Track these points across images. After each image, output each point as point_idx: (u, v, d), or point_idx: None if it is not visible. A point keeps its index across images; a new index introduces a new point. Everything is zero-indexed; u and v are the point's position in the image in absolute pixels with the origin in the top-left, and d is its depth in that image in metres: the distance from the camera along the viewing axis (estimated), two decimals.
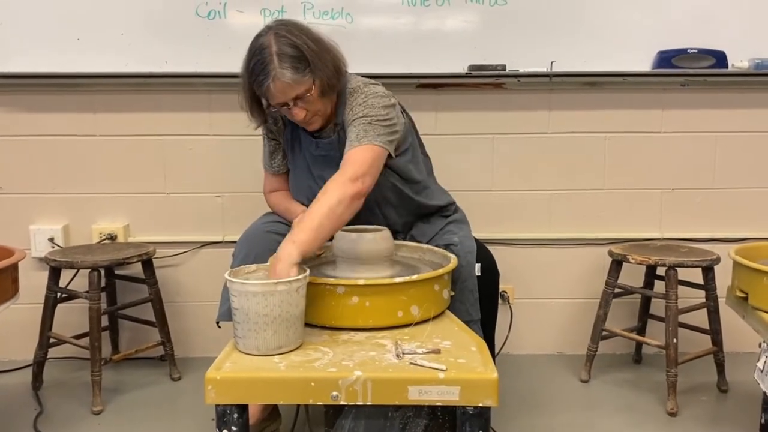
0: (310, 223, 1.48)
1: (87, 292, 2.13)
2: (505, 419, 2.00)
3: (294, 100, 1.69)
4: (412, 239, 1.90)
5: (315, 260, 1.77)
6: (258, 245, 1.75)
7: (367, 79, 1.82)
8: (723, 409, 2.13)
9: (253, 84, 1.70)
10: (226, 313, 1.70)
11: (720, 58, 2.32)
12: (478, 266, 1.74)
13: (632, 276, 2.35)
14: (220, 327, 1.84)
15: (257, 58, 1.66)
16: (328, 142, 1.82)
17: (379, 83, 1.83)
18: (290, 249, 1.43)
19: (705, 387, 2.26)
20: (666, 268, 2.11)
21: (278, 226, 1.83)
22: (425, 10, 2.32)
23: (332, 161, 1.79)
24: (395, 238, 1.73)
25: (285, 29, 1.68)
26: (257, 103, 1.78)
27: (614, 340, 2.39)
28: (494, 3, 2.32)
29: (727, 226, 2.51)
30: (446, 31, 2.34)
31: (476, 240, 1.83)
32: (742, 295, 1.82)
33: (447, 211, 1.97)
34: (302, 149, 1.88)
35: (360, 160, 1.62)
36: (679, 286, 2.11)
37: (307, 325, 1.44)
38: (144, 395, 2.23)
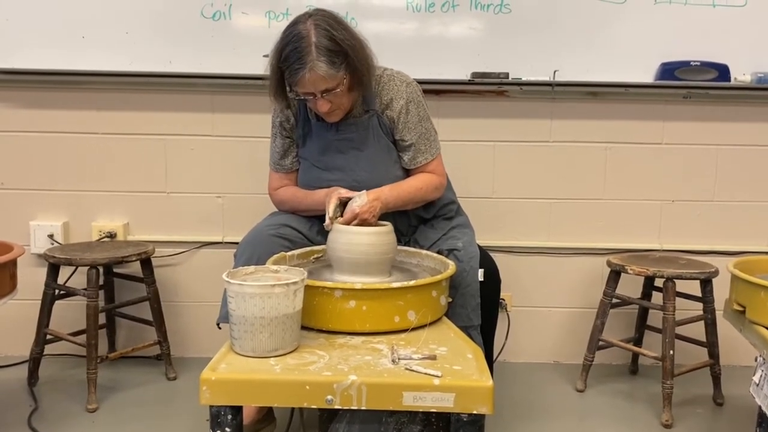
0: (401, 189, 1.82)
1: (85, 289, 2.13)
2: (499, 427, 2.00)
3: (322, 93, 1.70)
4: (416, 243, 1.91)
5: (313, 263, 1.77)
6: (262, 248, 1.75)
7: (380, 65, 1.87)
8: (718, 423, 2.13)
9: (285, 70, 1.70)
10: (227, 315, 1.70)
11: (723, 71, 2.32)
12: (481, 272, 1.74)
13: (630, 286, 2.34)
14: (220, 328, 1.84)
15: (294, 45, 1.66)
16: (352, 123, 1.84)
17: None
18: (388, 196, 1.75)
19: (701, 400, 2.25)
20: (664, 279, 2.10)
21: (283, 230, 1.83)
22: (430, 15, 2.33)
23: (352, 144, 1.84)
24: (399, 241, 1.74)
25: (325, 21, 1.68)
26: (282, 88, 1.79)
27: (611, 350, 2.38)
28: (499, 11, 2.33)
29: (727, 239, 2.51)
30: (450, 38, 2.34)
31: (479, 247, 1.83)
32: (740, 308, 1.82)
33: (449, 211, 1.98)
34: (313, 141, 1.89)
35: (439, 170, 1.93)
36: (677, 298, 2.11)
37: (304, 328, 1.44)
38: (139, 394, 2.22)
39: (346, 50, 1.68)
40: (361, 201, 1.69)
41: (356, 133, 1.85)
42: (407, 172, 1.90)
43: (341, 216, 1.70)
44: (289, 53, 1.67)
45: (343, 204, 1.71)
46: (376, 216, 1.72)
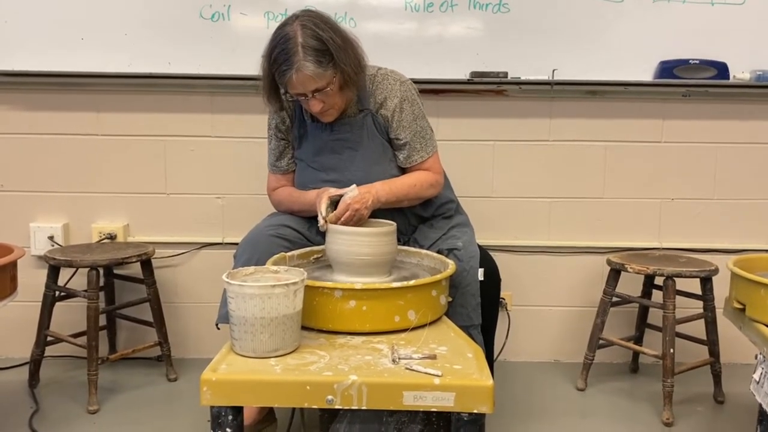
0: (394, 184, 1.82)
1: (85, 291, 2.13)
2: (500, 426, 2.00)
3: (313, 93, 1.71)
4: (415, 243, 1.91)
5: (313, 263, 1.77)
6: (261, 249, 1.75)
7: (374, 65, 1.87)
8: (719, 421, 2.13)
9: (274, 72, 1.71)
10: (226, 316, 1.70)
11: (722, 70, 2.32)
12: (481, 271, 1.74)
13: (630, 285, 2.35)
14: (219, 329, 1.84)
15: (282, 47, 1.68)
16: (347, 123, 1.85)
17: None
18: (380, 190, 1.75)
19: (701, 398, 2.26)
20: (664, 277, 2.11)
21: (282, 230, 1.83)
22: (428, 15, 2.33)
23: (346, 143, 1.85)
24: (398, 241, 1.74)
25: (312, 21, 1.69)
26: (275, 90, 1.80)
27: (611, 348, 2.38)
28: (497, 10, 2.33)
29: (726, 237, 2.51)
30: (449, 38, 2.34)
31: (479, 246, 1.83)
32: (740, 306, 1.82)
33: (448, 210, 1.98)
34: (308, 142, 1.90)
35: (435, 168, 1.92)
36: (677, 296, 2.11)
37: (304, 328, 1.44)
38: (140, 395, 2.23)
39: (332, 50, 1.68)
40: (352, 193, 1.70)
41: (351, 133, 1.85)
42: (403, 171, 1.90)
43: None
44: (277, 55, 1.69)
45: (335, 203, 1.72)
46: (368, 208, 1.71)
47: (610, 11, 2.33)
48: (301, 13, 1.72)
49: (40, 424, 2.00)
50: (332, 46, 1.68)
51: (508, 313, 2.49)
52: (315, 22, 1.69)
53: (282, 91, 1.79)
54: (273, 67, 1.71)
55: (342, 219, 1.67)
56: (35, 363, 2.26)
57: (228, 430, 1.28)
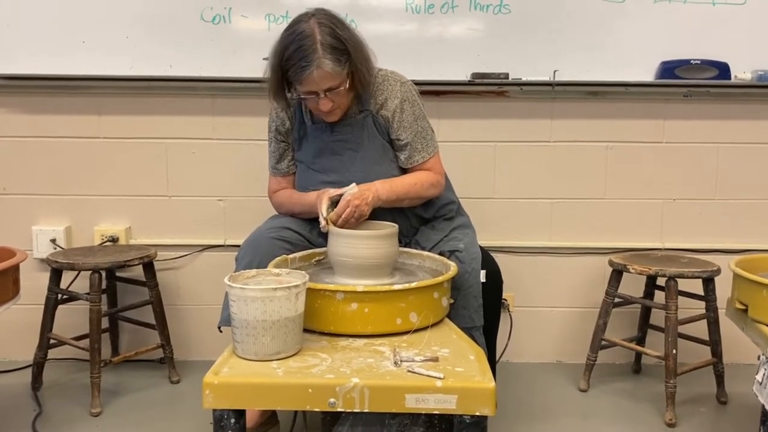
0: (394, 183, 1.82)
1: (88, 293, 2.13)
2: (503, 427, 2.00)
3: (325, 91, 1.71)
4: (417, 245, 1.91)
5: (314, 266, 1.77)
6: (263, 252, 1.75)
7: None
8: (722, 421, 2.13)
9: (289, 69, 1.70)
10: (228, 319, 1.70)
11: (723, 70, 2.32)
12: (483, 273, 1.74)
13: (633, 286, 2.34)
14: (221, 332, 1.84)
15: (299, 43, 1.67)
16: (348, 124, 1.85)
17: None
18: (380, 188, 1.75)
19: (704, 398, 2.25)
20: (666, 278, 2.10)
21: (284, 232, 1.83)
22: (429, 17, 2.33)
23: (347, 144, 1.85)
24: (399, 242, 1.74)
25: (328, 20, 1.70)
26: (282, 88, 1.79)
27: (614, 349, 2.38)
28: (498, 11, 2.33)
29: (728, 238, 2.51)
30: (450, 39, 2.34)
31: (481, 247, 1.83)
32: (742, 307, 1.82)
33: (449, 212, 1.98)
34: (308, 143, 1.90)
35: (437, 168, 1.92)
36: (680, 297, 2.11)
37: (306, 330, 1.44)
38: (143, 398, 2.23)
39: (349, 49, 1.69)
40: (352, 191, 1.70)
41: (351, 134, 1.85)
42: (404, 172, 1.90)
43: None
44: (293, 52, 1.67)
45: (335, 203, 1.71)
46: (369, 204, 1.71)
47: (611, 12, 2.32)
48: (316, 11, 1.72)
49: (43, 426, 2.01)
50: (350, 45, 1.69)
51: (510, 315, 2.49)
52: (332, 21, 1.70)
53: (286, 90, 1.78)
54: (287, 64, 1.70)
55: (343, 216, 1.67)
56: (38, 366, 2.26)
57: None
